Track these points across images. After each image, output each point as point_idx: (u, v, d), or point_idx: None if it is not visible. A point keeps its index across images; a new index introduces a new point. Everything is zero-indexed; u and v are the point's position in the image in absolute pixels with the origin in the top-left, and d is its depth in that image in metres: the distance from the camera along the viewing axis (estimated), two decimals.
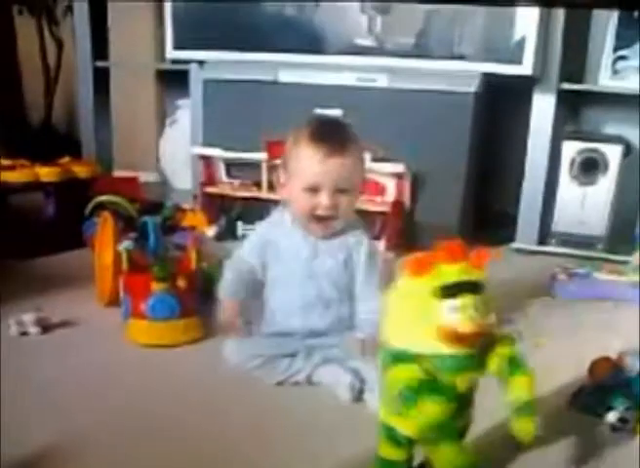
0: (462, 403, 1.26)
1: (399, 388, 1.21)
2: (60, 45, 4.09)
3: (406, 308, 1.23)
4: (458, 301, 1.18)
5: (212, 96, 3.32)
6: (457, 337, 1.19)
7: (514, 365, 1.26)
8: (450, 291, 1.18)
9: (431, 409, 1.18)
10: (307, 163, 1.71)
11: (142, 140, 4.17)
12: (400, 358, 1.23)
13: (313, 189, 1.71)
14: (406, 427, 1.26)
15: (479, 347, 1.24)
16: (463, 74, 2.89)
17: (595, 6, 2.99)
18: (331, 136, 1.73)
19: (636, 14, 3.00)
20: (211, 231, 3.06)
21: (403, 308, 1.23)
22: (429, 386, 1.20)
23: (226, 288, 1.82)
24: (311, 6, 3.09)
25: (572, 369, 1.80)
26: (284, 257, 1.79)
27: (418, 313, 1.20)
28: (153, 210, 2.95)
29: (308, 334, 1.79)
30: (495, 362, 1.26)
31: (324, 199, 1.70)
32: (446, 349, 1.20)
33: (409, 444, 1.29)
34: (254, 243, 1.83)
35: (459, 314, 1.17)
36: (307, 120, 1.83)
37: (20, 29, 4.41)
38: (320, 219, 1.74)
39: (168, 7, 3.29)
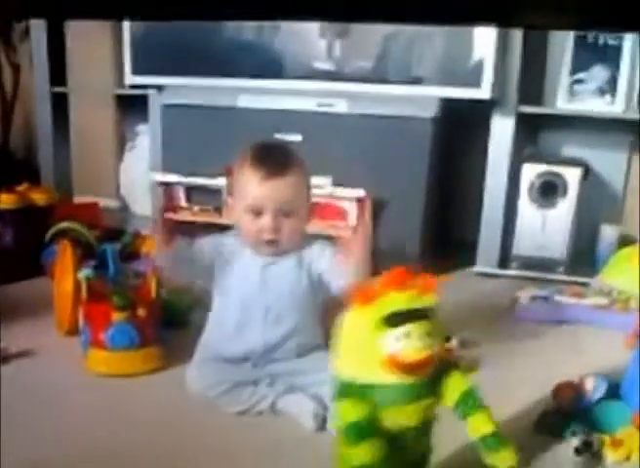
0: (417, 433, 1.26)
1: (341, 427, 1.22)
2: (16, 70, 4.06)
3: (353, 338, 1.23)
4: (401, 330, 1.17)
5: (171, 121, 3.31)
6: (403, 367, 1.19)
7: (469, 401, 1.27)
8: (393, 320, 1.18)
9: (363, 455, 1.19)
10: (248, 185, 1.72)
11: (102, 166, 4.14)
12: (348, 390, 1.23)
13: (256, 212, 1.73)
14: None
15: (431, 375, 1.23)
16: (422, 99, 2.89)
17: (552, 27, 3.00)
18: (271, 158, 1.74)
19: (591, 38, 3.03)
20: None
21: (350, 338, 1.23)
22: (367, 431, 1.20)
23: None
24: (270, 30, 3.09)
25: (535, 392, 1.81)
26: (234, 276, 1.80)
27: (364, 343, 1.20)
28: (113, 236, 2.93)
29: (268, 358, 1.78)
30: (449, 397, 1.26)
31: (266, 221, 1.72)
32: (393, 379, 1.20)
33: None
34: (207, 243, 1.86)
35: (403, 343, 1.17)
36: (252, 143, 1.83)
37: None
38: (266, 243, 1.75)
39: (126, 32, 3.28)
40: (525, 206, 2.98)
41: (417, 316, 1.19)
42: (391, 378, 1.20)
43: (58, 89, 3.62)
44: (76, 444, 1.59)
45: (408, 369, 1.18)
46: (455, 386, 1.27)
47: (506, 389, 1.81)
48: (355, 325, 1.22)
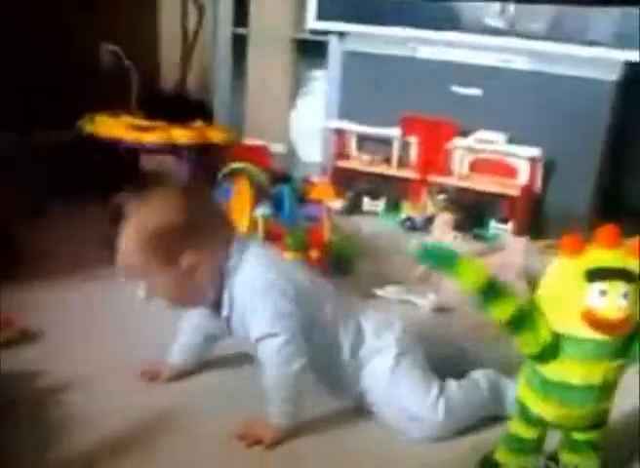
0: (600, 391, 1.25)
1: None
2: (200, 11, 4.14)
3: (556, 287, 1.23)
4: (605, 286, 1.17)
5: (350, 68, 3.33)
6: (598, 323, 1.18)
7: None
8: (599, 274, 1.17)
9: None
10: None
11: (274, 110, 4.19)
12: None
13: None
14: (540, 409, 1.28)
15: (626, 337, 1.22)
16: (604, 62, 2.82)
17: None
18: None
19: None
20: (338, 204, 3.07)
21: (553, 287, 1.24)
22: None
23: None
24: None
25: None
26: None
27: (565, 294, 1.21)
28: (281, 180, 2.97)
29: None
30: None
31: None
32: (587, 333, 1.20)
33: (541, 426, 1.31)
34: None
35: (605, 299, 1.17)
36: None
37: None
38: None
39: None
40: None
41: (621, 275, 1.17)
42: (585, 332, 1.19)
43: (239, 30, 3.68)
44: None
45: (603, 326, 1.18)
46: None
47: None
48: (560, 274, 1.23)
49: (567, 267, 1.21)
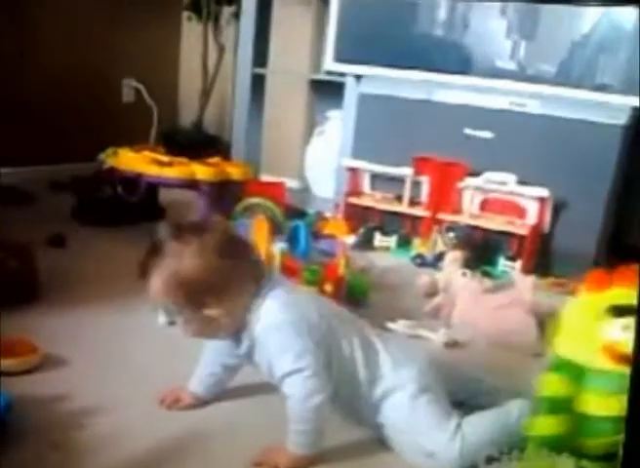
0: (615, 424, 1.27)
1: (541, 396, 1.28)
2: (221, 50, 4.24)
3: (577, 321, 1.29)
4: (625, 321, 1.22)
5: (365, 109, 3.42)
6: (619, 356, 1.23)
7: None
8: (620, 311, 1.23)
9: (548, 427, 1.26)
10: None
11: (289, 147, 4.28)
12: (561, 366, 1.30)
13: None
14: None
15: None
16: (613, 106, 2.88)
17: None
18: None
19: None
20: (350, 240, 3.14)
21: (575, 320, 1.29)
22: (561, 407, 1.27)
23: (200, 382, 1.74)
24: (460, 28, 3.17)
25: None
26: None
27: (587, 327, 1.26)
28: (295, 215, 3.04)
29: None
30: None
31: None
32: (607, 367, 1.25)
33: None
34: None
35: (624, 334, 1.22)
36: None
37: (186, 34, 4.63)
38: None
39: (333, 21, 3.42)
40: None
41: None
42: (605, 366, 1.25)
43: (258, 70, 3.77)
44: (254, 409, 1.71)
45: (623, 359, 1.21)
46: None
47: None
48: (582, 309, 1.28)
49: (590, 302, 1.27)
